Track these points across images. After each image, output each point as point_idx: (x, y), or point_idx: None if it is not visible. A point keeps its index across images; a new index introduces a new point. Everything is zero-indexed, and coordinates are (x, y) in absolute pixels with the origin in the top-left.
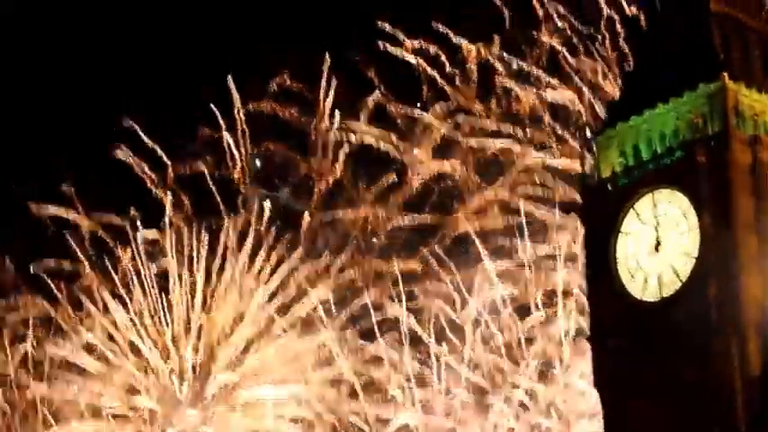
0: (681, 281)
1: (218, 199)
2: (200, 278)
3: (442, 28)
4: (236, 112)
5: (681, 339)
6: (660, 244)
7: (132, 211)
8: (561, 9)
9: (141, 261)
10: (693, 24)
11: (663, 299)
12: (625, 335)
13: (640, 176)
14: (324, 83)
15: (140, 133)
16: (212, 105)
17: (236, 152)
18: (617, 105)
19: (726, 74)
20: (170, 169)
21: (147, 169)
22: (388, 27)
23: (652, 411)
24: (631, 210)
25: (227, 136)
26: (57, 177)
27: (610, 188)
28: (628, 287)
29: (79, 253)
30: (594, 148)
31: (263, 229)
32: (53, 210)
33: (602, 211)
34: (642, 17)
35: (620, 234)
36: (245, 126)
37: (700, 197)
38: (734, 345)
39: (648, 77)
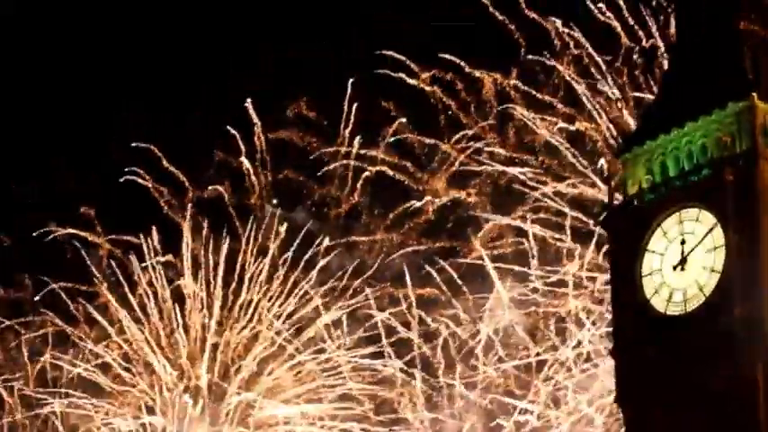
0: (705, 295)
1: (236, 222)
2: (216, 299)
3: (454, 58)
4: (255, 137)
5: (705, 354)
6: (686, 260)
7: (150, 233)
8: (577, 34)
9: (158, 282)
10: (722, 43)
11: (687, 313)
12: (648, 349)
13: (667, 193)
14: (346, 109)
15: (159, 155)
16: (231, 128)
17: (254, 178)
18: (645, 124)
19: (755, 93)
20: (189, 193)
21: (165, 193)
22: (401, 57)
23: (675, 427)
24: (658, 228)
25: (245, 162)
26: (74, 196)
27: (636, 204)
28: (652, 301)
29: (96, 273)
30: (619, 166)
31: (276, 250)
32: (72, 230)
33: (627, 226)
34: (662, 41)
35: (646, 251)
36: (264, 151)
37: (726, 215)
38: (759, 360)
39: (677, 96)
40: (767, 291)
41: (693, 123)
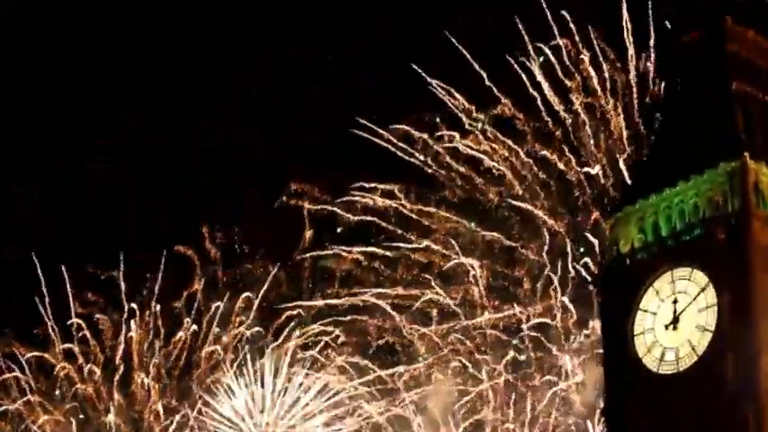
0: (697, 355)
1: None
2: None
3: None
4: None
5: (696, 415)
6: (678, 320)
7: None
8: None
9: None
10: (715, 102)
11: (679, 373)
12: (640, 408)
13: (659, 253)
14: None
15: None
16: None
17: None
18: (637, 183)
19: (747, 153)
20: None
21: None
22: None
23: None
24: (651, 287)
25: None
26: None
27: (628, 263)
28: (644, 360)
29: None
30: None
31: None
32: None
33: (619, 285)
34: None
35: (638, 310)
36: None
37: (718, 275)
38: (751, 422)
39: (668, 155)
40: (759, 349)
41: (685, 183)
